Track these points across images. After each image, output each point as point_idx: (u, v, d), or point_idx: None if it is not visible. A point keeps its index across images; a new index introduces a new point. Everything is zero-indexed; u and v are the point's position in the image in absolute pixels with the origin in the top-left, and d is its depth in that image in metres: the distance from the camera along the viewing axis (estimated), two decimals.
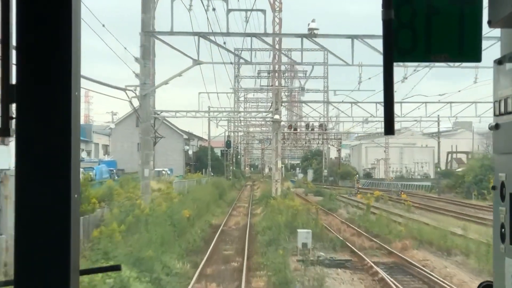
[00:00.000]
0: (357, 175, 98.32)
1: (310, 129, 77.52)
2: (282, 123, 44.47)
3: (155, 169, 44.31)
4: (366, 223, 28.48)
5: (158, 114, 42.68)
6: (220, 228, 27.41)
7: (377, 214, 32.20)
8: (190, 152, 72.47)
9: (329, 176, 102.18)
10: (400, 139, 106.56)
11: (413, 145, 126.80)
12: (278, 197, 38.05)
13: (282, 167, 58.55)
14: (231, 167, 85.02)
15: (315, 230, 22.41)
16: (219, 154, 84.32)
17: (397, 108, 47.50)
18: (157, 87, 24.98)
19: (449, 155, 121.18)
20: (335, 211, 38.80)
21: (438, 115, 57.55)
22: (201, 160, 72.87)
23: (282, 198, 36.71)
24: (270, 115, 42.88)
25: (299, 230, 19.66)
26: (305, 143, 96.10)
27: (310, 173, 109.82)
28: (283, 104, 42.57)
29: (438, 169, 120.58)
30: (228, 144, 74.60)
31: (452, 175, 72.74)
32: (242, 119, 76.47)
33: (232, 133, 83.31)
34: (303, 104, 62.70)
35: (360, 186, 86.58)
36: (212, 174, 67.02)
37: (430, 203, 45.79)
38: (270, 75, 43.90)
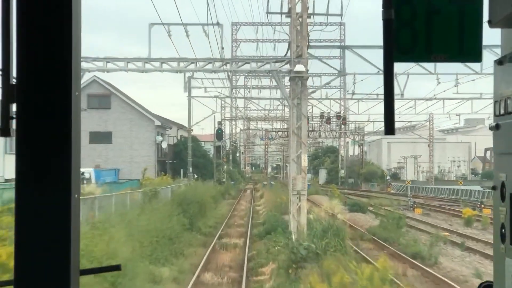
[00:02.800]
0: (391, 176, 78.88)
1: (325, 119, 61.54)
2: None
3: None
4: None
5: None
6: None
7: None
8: (165, 146, 51.38)
9: (347, 177, 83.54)
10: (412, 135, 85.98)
11: (443, 140, 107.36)
12: (314, 243, 15.86)
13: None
14: (225, 167, 64.38)
15: None
16: (210, 150, 63.82)
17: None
18: None
19: (487, 152, 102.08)
20: (431, 263, 18.07)
21: None
22: (180, 156, 52.10)
23: (326, 252, 14.71)
24: (286, 67, 22.00)
25: None
26: (319, 135, 76.99)
27: (323, 174, 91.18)
28: (309, 49, 21.83)
29: (473, 169, 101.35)
30: (219, 134, 53.70)
31: None
32: (241, 104, 55.72)
33: (225, 119, 62.29)
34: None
35: (392, 191, 66.86)
36: (195, 176, 46.45)
37: None
38: None
